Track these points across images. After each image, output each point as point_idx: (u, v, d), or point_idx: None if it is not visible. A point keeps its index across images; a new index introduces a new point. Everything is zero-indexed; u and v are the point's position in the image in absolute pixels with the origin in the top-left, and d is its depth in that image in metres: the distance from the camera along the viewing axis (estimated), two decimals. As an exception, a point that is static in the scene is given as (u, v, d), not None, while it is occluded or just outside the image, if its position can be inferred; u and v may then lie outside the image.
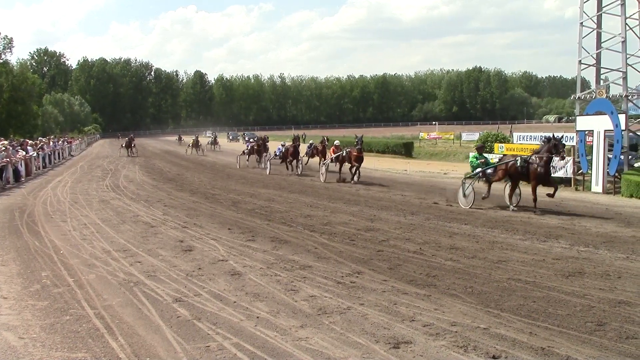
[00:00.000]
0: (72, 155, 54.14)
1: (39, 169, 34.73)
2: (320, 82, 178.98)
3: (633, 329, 6.81)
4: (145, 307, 7.91)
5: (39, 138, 50.17)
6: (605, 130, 20.85)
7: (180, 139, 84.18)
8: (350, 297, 8.18)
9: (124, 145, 52.43)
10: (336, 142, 29.20)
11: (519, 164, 16.73)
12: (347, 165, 26.74)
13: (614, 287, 8.57)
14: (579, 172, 22.44)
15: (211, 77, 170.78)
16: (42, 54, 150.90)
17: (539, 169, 16.31)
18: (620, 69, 23.22)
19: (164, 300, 8.20)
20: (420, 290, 8.55)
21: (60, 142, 51.28)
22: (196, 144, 54.36)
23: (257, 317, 7.39)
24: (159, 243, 12.36)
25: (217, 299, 8.18)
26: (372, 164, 36.08)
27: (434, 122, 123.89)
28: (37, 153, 35.38)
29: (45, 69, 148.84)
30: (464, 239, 12.55)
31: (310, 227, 13.99)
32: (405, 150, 48.51)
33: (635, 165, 22.98)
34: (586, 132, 22.36)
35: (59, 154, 46.07)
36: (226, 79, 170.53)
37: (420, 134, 74.64)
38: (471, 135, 59.37)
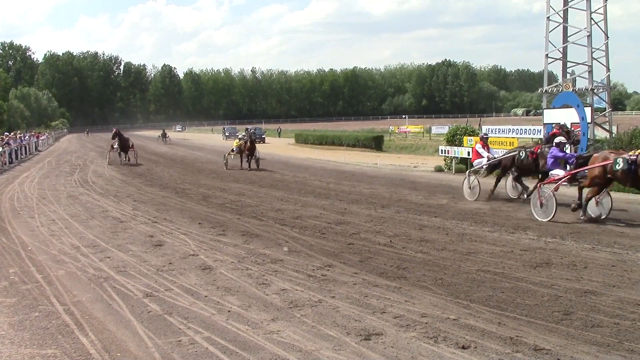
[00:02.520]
0: (39, 151, 53.26)
1: (6, 164, 34.14)
2: (290, 75, 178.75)
3: (598, 318, 6.93)
4: (115, 302, 7.86)
5: (5, 133, 49.20)
6: (572, 124, 21.13)
7: (165, 135, 66.97)
8: (321, 290, 8.21)
9: (115, 146, 35.08)
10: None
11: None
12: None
13: (580, 277, 8.71)
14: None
15: (181, 71, 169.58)
16: (7, 48, 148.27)
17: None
18: (586, 63, 23.55)
19: (135, 295, 8.15)
20: (390, 282, 8.60)
21: (27, 137, 50.41)
22: (249, 149, 29.59)
23: (229, 311, 7.38)
24: (128, 238, 12.27)
25: (188, 294, 8.15)
26: (343, 157, 36.21)
27: (404, 116, 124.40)
28: (3, 148, 34.80)
29: (10, 62, 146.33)
30: (434, 231, 12.65)
31: (281, 221, 13.99)
32: (376, 143, 48.53)
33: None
34: (553, 125, 22.63)
35: (25, 149, 45.32)
36: (195, 72, 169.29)
37: (391, 127, 74.99)
38: (441, 128, 59.72)
